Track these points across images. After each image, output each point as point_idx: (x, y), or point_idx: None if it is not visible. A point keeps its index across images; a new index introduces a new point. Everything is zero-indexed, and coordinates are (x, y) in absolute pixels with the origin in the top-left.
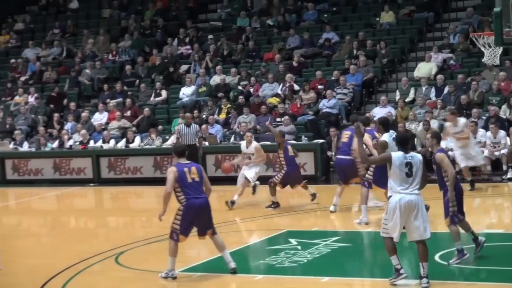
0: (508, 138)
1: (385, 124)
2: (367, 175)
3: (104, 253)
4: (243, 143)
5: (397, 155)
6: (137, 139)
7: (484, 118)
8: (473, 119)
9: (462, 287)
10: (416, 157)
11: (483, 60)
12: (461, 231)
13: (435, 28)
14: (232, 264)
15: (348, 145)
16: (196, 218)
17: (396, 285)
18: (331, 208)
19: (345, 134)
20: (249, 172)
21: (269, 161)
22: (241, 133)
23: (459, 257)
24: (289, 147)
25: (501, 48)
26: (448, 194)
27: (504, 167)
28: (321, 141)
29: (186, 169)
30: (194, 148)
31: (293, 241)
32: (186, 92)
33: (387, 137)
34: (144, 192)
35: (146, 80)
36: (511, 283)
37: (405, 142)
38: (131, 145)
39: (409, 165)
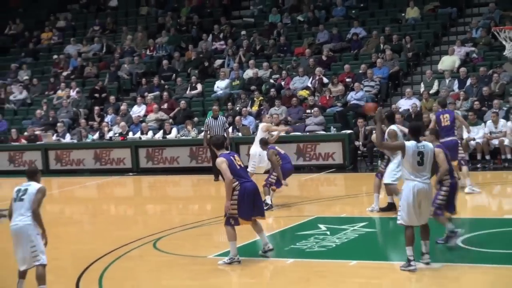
0: None
1: (391, 118)
2: (380, 168)
3: (142, 239)
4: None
5: (410, 144)
6: (174, 130)
7: (505, 108)
8: (494, 110)
9: (484, 269)
10: (428, 146)
11: (504, 53)
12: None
13: (458, 23)
14: (270, 245)
15: (451, 126)
16: (252, 200)
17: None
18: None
19: (445, 117)
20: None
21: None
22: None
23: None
24: (277, 147)
25: None
26: (438, 187)
27: None
28: (349, 131)
29: (232, 157)
30: None
31: (322, 227)
32: (220, 86)
33: (395, 127)
34: (181, 181)
35: (182, 74)
36: None
37: (417, 131)
38: (168, 136)
39: (421, 154)
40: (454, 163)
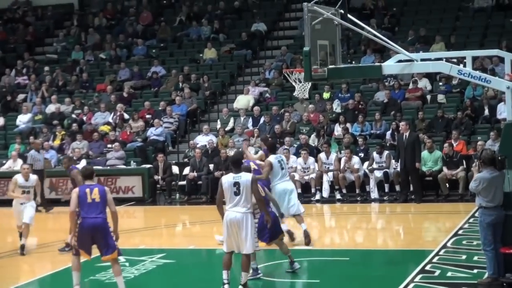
0: (316, 164)
1: (272, 147)
2: None
3: None
4: (19, 177)
5: (226, 178)
6: None
7: (296, 145)
8: (286, 147)
9: None
10: (245, 177)
11: (294, 94)
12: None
13: (253, 64)
14: None
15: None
16: (90, 237)
17: None
18: None
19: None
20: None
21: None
22: (75, 158)
23: (252, 275)
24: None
25: (310, 83)
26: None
27: (313, 190)
28: (148, 166)
29: (88, 190)
30: (43, 172)
31: (122, 258)
32: (22, 120)
33: (273, 158)
34: None
35: None
36: None
37: (237, 163)
38: None
39: (237, 184)
40: None
